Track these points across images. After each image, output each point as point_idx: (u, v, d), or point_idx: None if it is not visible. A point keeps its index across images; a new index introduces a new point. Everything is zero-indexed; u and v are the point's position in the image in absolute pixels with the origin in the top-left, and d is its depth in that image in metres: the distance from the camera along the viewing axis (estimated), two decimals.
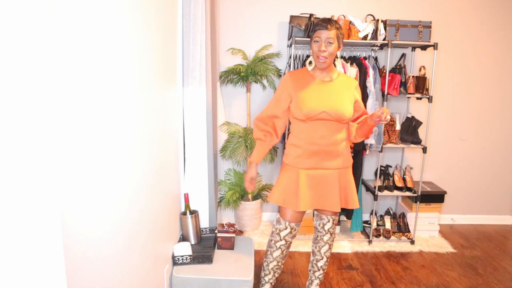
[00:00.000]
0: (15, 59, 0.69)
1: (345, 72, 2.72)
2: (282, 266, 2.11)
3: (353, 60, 2.86)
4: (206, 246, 2.24)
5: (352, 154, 2.89)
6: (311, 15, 2.79)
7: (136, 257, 1.47)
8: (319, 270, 2.11)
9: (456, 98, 3.31)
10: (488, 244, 3.05)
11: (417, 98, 3.00)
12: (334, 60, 1.87)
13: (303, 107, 1.80)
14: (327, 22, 1.76)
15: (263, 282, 2.12)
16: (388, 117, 1.70)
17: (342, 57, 2.94)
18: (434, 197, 3.10)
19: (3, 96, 0.66)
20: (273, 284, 2.14)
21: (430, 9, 3.14)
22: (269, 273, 2.09)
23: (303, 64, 3.00)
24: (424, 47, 2.91)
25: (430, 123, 3.25)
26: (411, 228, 3.06)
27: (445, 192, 3.13)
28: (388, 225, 3.08)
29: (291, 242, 2.03)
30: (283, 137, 3.00)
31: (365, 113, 1.94)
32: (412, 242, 2.98)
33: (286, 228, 1.96)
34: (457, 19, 3.17)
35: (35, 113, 0.74)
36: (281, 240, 1.98)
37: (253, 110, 3.20)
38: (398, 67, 2.97)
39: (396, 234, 3.03)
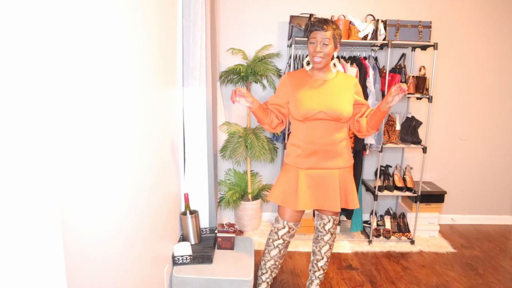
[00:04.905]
0: (15, 59, 0.69)
1: (345, 72, 2.72)
2: (279, 265, 2.11)
3: (353, 60, 2.86)
4: (206, 246, 2.24)
5: (352, 154, 2.88)
6: (311, 15, 2.79)
7: (136, 257, 1.47)
8: (319, 270, 2.11)
9: (456, 98, 3.31)
10: (488, 244, 3.05)
11: (417, 98, 3.00)
12: (332, 60, 1.87)
13: (301, 107, 1.81)
14: (323, 23, 1.75)
15: (260, 281, 2.13)
16: (405, 87, 1.63)
17: (342, 57, 2.94)
18: (434, 197, 3.10)
19: (4, 96, 0.66)
20: (270, 283, 2.14)
21: (430, 9, 3.14)
22: (266, 272, 2.09)
23: (303, 65, 3.00)
24: (424, 47, 2.91)
25: (430, 123, 3.25)
26: (411, 228, 3.06)
27: (445, 192, 3.13)
28: (388, 225, 3.08)
29: (289, 242, 2.03)
30: (284, 137, 3.00)
31: (369, 107, 1.92)
32: (412, 242, 2.98)
33: (284, 227, 1.96)
34: (457, 19, 3.17)
35: (35, 113, 0.74)
36: (279, 239, 1.99)
37: None
38: (398, 67, 2.97)
39: (396, 234, 3.03)
